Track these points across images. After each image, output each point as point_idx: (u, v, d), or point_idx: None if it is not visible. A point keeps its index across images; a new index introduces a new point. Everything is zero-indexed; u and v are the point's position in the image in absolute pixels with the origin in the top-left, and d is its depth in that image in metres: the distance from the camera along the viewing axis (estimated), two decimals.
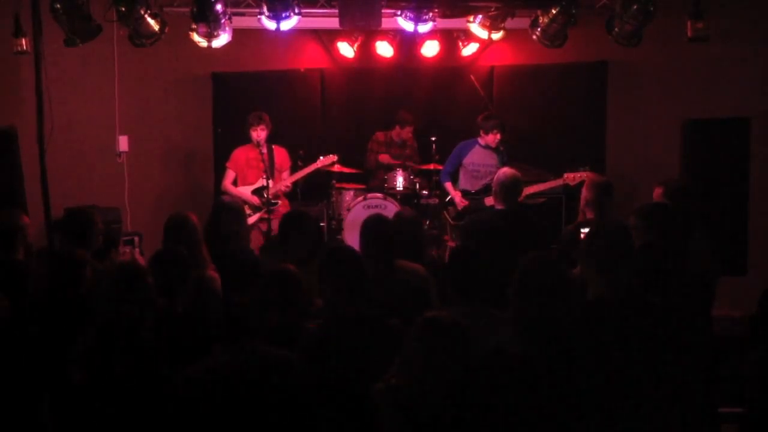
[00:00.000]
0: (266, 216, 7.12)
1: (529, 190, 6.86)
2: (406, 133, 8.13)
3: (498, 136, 7.24)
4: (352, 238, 6.94)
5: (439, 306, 4.16)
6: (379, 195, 7.72)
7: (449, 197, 7.48)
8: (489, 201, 6.82)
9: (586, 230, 4.22)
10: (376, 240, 4.47)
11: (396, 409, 2.92)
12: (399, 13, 6.79)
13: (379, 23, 6.76)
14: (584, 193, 5.23)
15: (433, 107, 8.54)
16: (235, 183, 7.44)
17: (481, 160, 7.35)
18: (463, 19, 7.43)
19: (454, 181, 7.51)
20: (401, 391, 2.91)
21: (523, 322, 3.01)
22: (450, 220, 7.42)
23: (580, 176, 6.74)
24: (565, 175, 6.92)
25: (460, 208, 7.29)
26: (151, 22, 6.33)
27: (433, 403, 2.86)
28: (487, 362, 2.95)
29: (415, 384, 2.89)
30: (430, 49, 8.20)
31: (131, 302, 3.61)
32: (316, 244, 4.86)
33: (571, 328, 3.04)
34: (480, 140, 7.35)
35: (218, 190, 7.70)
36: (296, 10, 6.41)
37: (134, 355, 3.40)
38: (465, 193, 7.32)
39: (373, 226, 4.59)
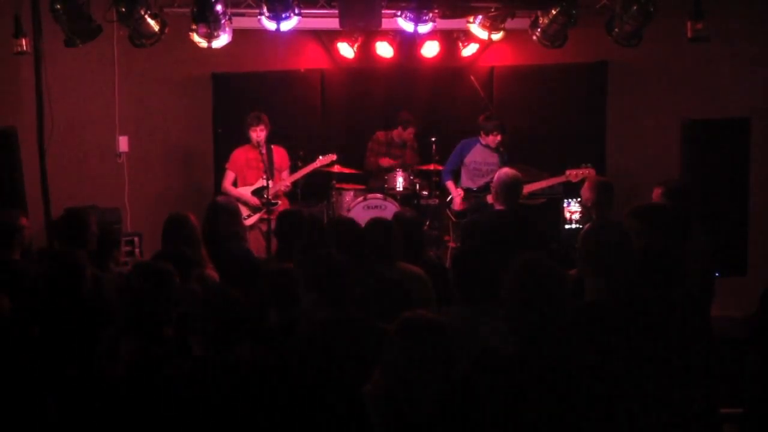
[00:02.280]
0: (266, 216, 7.11)
1: (530, 187, 6.87)
2: (408, 134, 8.12)
3: (498, 138, 7.24)
4: None
5: (437, 307, 4.16)
6: (379, 195, 7.71)
7: (450, 197, 7.47)
8: (491, 198, 6.82)
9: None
10: (377, 242, 4.47)
11: (384, 410, 2.91)
12: (399, 13, 6.78)
13: (379, 23, 6.75)
14: (585, 192, 5.23)
15: (433, 108, 8.53)
16: (235, 184, 7.44)
17: (483, 159, 7.35)
18: (463, 20, 7.42)
19: (456, 180, 7.51)
20: (387, 392, 2.90)
21: (515, 322, 2.99)
22: (452, 217, 7.40)
23: (582, 173, 6.74)
24: (567, 172, 6.93)
25: (458, 208, 7.28)
26: (151, 22, 6.33)
27: (419, 403, 2.85)
28: (478, 362, 2.94)
29: (399, 384, 2.88)
30: (430, 49, 8.19)
31: (162, 300, 3.63)
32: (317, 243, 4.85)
33: (566, 328, 3.03)
34: (481, 139, 7.35)
35: (218, 191, 7.69)
36: (296, 11, 6.40)
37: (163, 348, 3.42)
38: (467, 191, 7.33)
39: (372, 228, 4.59)
